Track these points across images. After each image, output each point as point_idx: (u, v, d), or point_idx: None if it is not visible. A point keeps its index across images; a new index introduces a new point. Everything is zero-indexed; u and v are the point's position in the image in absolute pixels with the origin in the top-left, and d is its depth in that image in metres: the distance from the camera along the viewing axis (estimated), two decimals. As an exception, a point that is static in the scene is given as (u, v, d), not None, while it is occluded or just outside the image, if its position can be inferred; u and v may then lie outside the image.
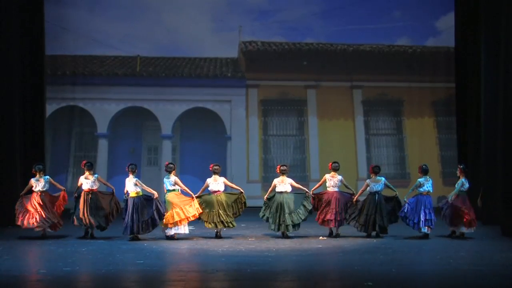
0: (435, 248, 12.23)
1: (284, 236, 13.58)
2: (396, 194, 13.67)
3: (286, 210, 13.46)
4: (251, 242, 12.97)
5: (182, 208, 13.35)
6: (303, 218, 13.58)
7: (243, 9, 20.92)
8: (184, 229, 13.47)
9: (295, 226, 13.57)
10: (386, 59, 20.98)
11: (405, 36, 21.07)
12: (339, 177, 13.88)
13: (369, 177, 13.99)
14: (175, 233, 13.43)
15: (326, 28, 21.04)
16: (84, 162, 13.97)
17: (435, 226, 13.50)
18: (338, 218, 13.59)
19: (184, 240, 13.34)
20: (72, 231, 13.80)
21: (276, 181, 13.77)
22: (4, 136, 15.96)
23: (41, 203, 13.40)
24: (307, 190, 13.81)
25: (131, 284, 9.30)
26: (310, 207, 13.63)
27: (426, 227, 13.42)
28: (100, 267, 10.22)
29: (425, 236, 13.42)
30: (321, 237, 13.55)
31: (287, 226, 13.45)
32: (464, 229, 13.50)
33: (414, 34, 21.00)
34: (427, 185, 13.61)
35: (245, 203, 13.69)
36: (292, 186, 13.75)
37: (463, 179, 13.66)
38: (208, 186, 13.62)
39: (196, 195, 13.56)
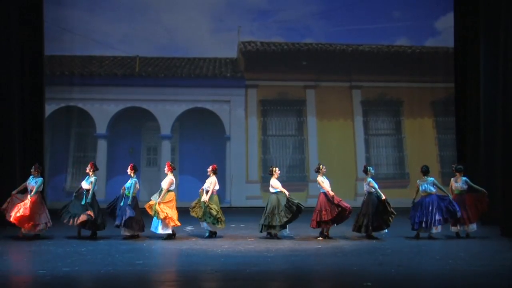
0: (434, 249, 12.24)
1: (274, 237, 13.61)
2: (383, 199, 13.48)
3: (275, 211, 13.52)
4: (250, 243, 12.97)
5: (177, 211, 13.50)
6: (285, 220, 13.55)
7: (242, 10, 20.92)
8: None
9: (277, 227, 13.57)
10: (386, 59, 20.98)
11: (404, 36, 21.07)
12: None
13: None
14: (173, 232, 13.50)
15: (325, 28, 21.04)
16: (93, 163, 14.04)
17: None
18: (314, 218, 13.55)
19: (183, 240, 13.34)
20: (71, 231, 13.79)
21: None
22: (3, 137, 15.94)
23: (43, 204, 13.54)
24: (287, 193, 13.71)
25: (130, 285, 9.30)
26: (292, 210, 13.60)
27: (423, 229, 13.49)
28: (99, 268, 10.22)
29: (416, 236, 13.51)
30: (319, 238, 13.54)
31: (274, 226, 13.49)
32: (451, 228, 13.65)
33: (413, 35, 21.00)
34: (424, 185, 13.60)
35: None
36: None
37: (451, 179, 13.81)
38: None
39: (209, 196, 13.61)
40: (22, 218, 13.20)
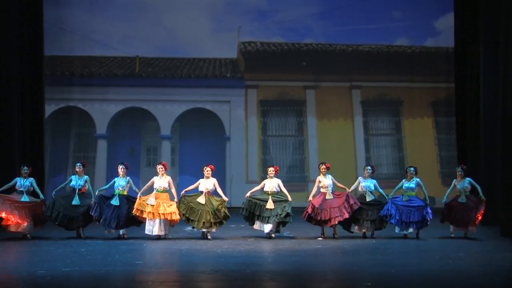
0: (434, 249, 12.23)
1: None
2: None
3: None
4: (250, 243, 12.97)
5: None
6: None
7: (242, 10, 20.93)
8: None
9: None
10: (385, 59, 20.99)
11: (404, 36, 21.08)
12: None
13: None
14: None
15: (325, 29, 21.05)
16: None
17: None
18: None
19: (183, 240, 13.34)
20: (70, 232, 13.80)
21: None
22: (3, 137, 15.95)
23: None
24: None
25: (130, 285, 9.29)
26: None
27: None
28: (99, 268, 10.22)
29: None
30: (319, 238, 13.54)
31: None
32: (451, 229, 13.62)
33: (413, 35, 21.02)
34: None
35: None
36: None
37: (454, 180, 13.72)
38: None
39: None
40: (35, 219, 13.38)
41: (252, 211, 13.62)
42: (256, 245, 12.71)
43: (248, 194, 13.73)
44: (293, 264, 10.87)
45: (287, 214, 13.45)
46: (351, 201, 13.47)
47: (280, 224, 13.67)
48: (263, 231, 13.65)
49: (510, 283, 9.21)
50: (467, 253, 11.75)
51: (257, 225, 13.71)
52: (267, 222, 13.51)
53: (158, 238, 13.44)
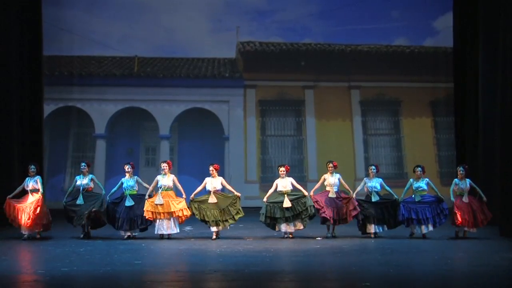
0: (433, 249, 12.22)
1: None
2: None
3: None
4: (249, 243, 12.97)
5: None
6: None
7: (241, 10, 20.93)
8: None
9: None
10: (384, 59, 20.99)
11: (403, 36, 21.09)
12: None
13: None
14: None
15: (324, 29, 21.05)
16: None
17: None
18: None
19: (182, 240, 13.34)
20: (70, 231, 13.79)
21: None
22: (2, 137, 15.95)
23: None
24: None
25: (129, 285, 9.29)
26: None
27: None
28: (98, 268, 10.21)
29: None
30: (318, 238, 13.55)
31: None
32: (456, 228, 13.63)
33: (412, 34, 21.02)
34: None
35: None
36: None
37: (455, 179, 13.69)
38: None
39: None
40: (35, 221, 13.26)
41: (273, 216, 13.59)
42: (255, 245, 12.70)
43: (264, 199, 13.70)
44: (292, 264, 10.88)
45: (310, 208, 13.48)
46: (350, 207, 13.49)
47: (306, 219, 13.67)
48: (288, 231, 13.63)
49: (509, 283, 9.20)
50: (466, 253, 11.76)
51: (282, 227, 13.65)
52: (293, 221, 13.56)
53: (161, 237, 13.44)
